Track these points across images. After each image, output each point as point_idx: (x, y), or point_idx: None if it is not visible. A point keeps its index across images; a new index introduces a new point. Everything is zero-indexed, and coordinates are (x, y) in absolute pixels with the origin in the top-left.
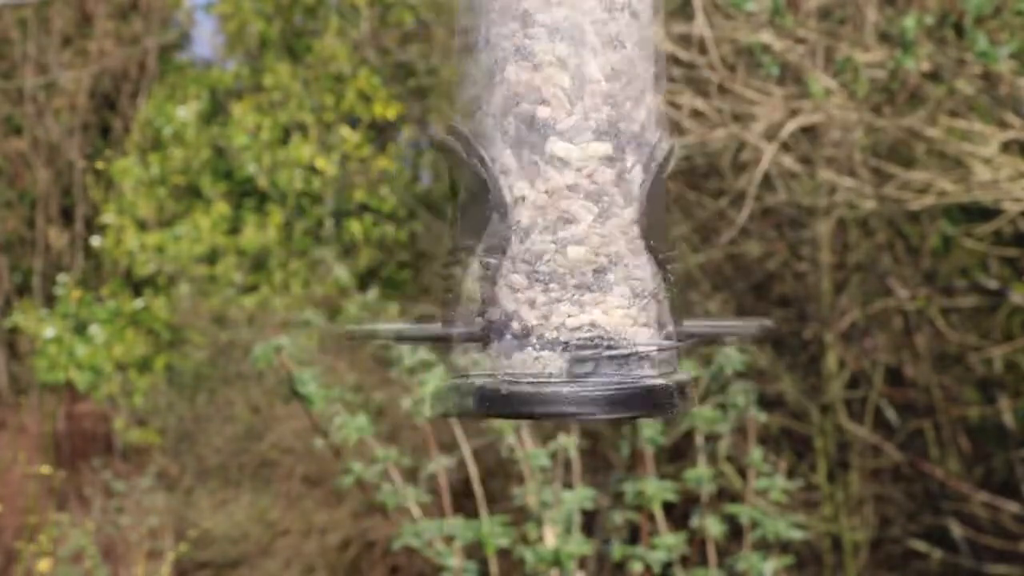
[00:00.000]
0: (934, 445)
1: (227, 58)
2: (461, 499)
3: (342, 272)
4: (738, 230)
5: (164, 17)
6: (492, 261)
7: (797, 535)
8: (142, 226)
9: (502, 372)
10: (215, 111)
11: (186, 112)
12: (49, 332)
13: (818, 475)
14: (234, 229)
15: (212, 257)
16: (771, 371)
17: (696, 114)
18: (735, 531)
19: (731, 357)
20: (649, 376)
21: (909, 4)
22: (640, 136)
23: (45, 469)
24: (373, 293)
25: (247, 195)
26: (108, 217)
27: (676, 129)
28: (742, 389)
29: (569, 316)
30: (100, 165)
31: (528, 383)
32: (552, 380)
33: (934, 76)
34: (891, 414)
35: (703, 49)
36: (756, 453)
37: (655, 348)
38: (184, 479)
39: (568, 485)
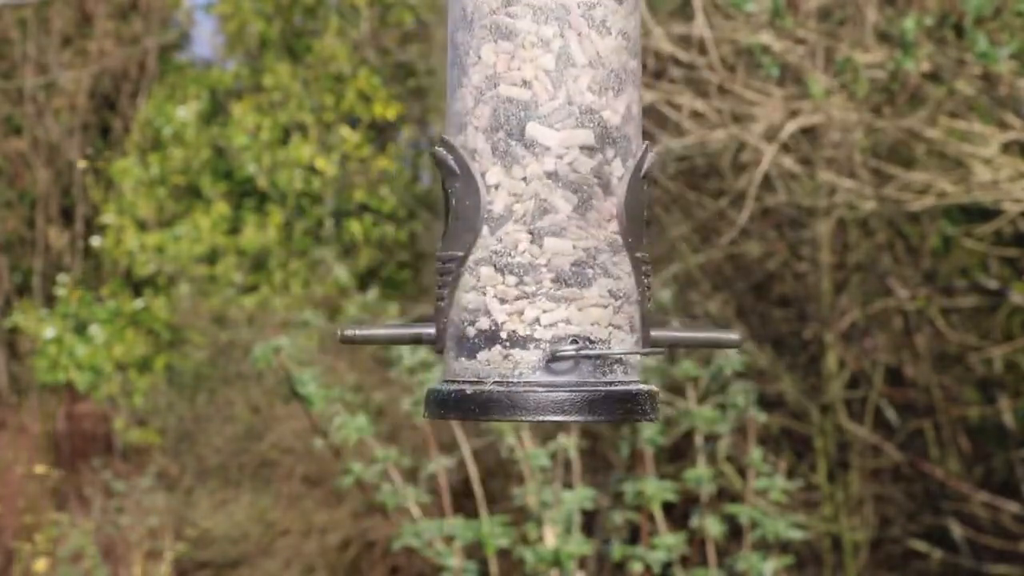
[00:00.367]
0: (934, 445)
1: (227, 58)
2: (461, 499)
3: (342, 272)
4: (738, 230)
5: (164, 17)
6: (455, 254)
7: (797, 535)
8: (142, 226)
9: (465, 373)
10: (215, 111)
11: (186, 112)
12: (49, 332)
13: (818, 475)
14: (234, 229)
15: (212, 257)
16: (771, 371)
17: (696, 115)
18: (735, 531)
19: (730, 357)
20: (624, 381)
21: (909, 5)
22: (621, 129)
23: (40, 469)
24: (373, 293)
25: (247, 195)
26: (108, 217)
27: (676, 130)
28: (742, 389)
29: (544, 312)
30: (85, 163)
31: (495, 384)
32: (523, 381)
33: (934, 77)
34: (891, 414)
35: (703, 50)
36: (756, 453)
37: (635, 353)
38: (184, 479)
39: (568, 485)
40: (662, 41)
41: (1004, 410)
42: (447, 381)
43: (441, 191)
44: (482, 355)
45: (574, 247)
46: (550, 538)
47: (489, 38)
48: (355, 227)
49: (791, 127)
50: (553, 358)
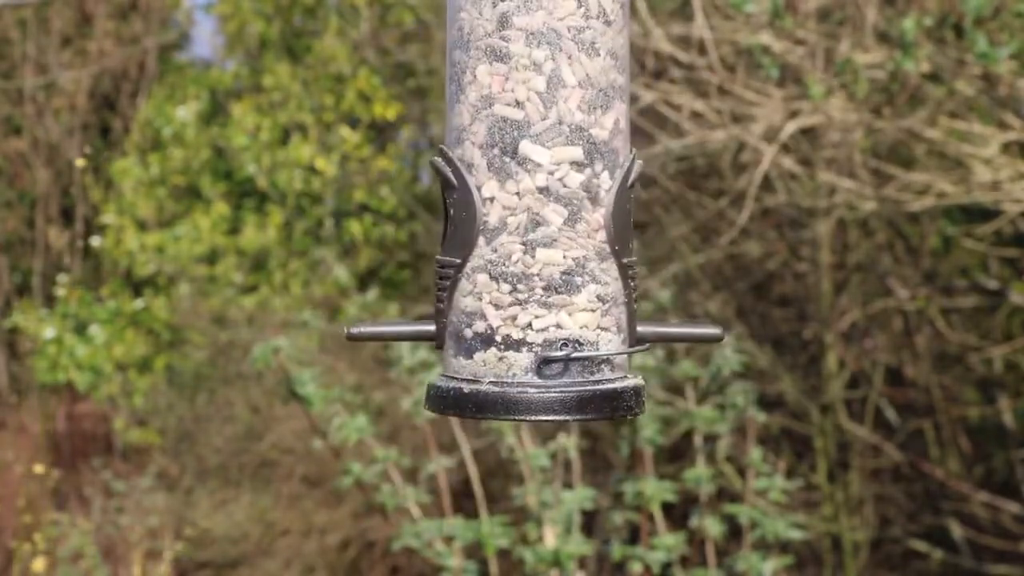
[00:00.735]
0: (934, 445)
1: (227, 58)
2: (461, 499)
3: (342, 272)
4: (738, 230)
5: (164, 17)
6: (453, 260)
7: (797, 535)
8: (142, 226)
9: (463, 371)
10: (215, 111)
11: (186, 112)
12: (49, 332)
13: (818, 475)
14: (234, 229)
15: (212, 257)
16: (771, 371)
17: (696, 115)
18: (735, 531)
19: (728, 357)
20: (611, 379)
21: (909, 5)
22: (609, 143)
23: (40, 469)
24: (373, 293)
25: (247, 195)
26: (108, 217)
27: (676, 130)
28: (741, 389)
29: (536, 317)
30: (84, 163)
31: (491, 384)
32: (517, 382)
33: (934, 77)
34: (891, 414)
35: (703, 50)
36: (756, 453)
37: (621, 353)
38: (184, 479)
39: (568, 485)
40: (662, 41)
41: (1004, 410)
42: (446, 376)
43: (441, 199)
44: (478, 356)
45: (564, 257)
46: (550, 538)
47: (484, 59)
48: (355, 227)
49: (791, 127)
50: (544, 362)
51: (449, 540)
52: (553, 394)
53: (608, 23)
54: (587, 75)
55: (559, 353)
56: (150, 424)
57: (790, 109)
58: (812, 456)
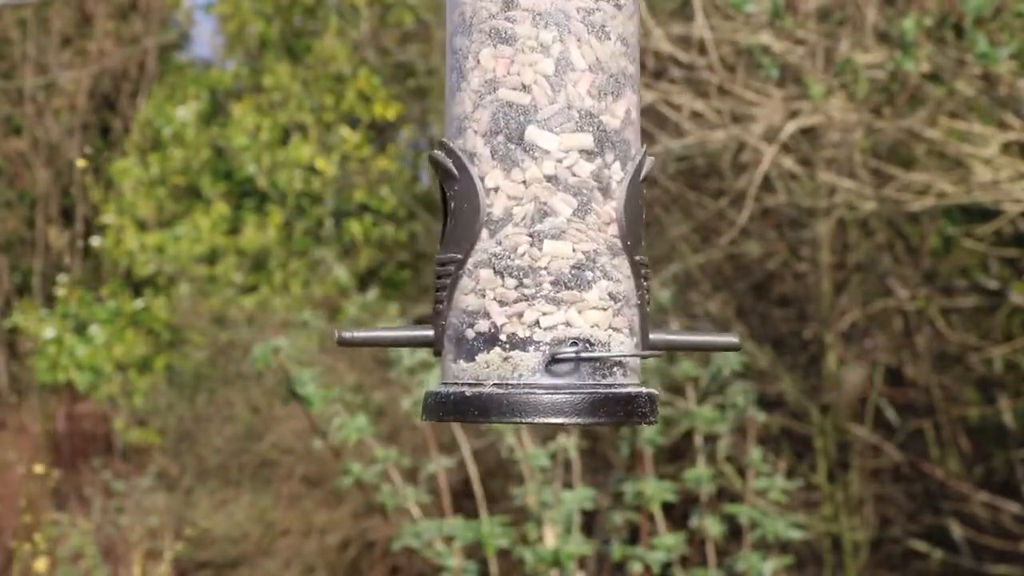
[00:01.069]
0: (934, 445)
1: (227, 58)
2: (461, 499)
3: (342, 272)
4: (738, 230)
5: (164, 17)
6: (454, 256)
7: (797, 535)
8: (142, 226)
9: (464, 375)
10: (215, 111)
11: (186, 112)
12: (49, 332)
13: (818, 475)
14: (234, 229)
15: (212, 257)
16: (771, 371)
17: (696, 115)
18: (735, 531)
19: (728, 358)
20: (624, 384)
21: (909, 5)
22: (620, 133)
23: (40, 468)
24: (373, 293)
25: (247, 195)
26: (108, 217)
27: (676, 130)
28: (741, 389)
29: (544, 314)
30: (84, 163)
31: (494, 386)
32: (523, 383)
33: (934, 77)
34: (891, 414)
35: (703, 50)
36: (756, 453)
37: (634, 356)
38: (184, 479)
39: (568, 485)
40: (662, 41)
41: (1004, 410)
42: (445, 384)
43: (439, 194)
44: (481, 357)
45: (574, 250)
46: (550, 538)
47: (488, 42)
48: (355, 227)
49: (791, 127)
50: (553, 360)
51: (449, 540)
52: (563, 395)
53: (619, 7)
54: (597, 59)
55: (569, 350)
56: (150, 424)
57: (790, 109)
58: (812, 456)
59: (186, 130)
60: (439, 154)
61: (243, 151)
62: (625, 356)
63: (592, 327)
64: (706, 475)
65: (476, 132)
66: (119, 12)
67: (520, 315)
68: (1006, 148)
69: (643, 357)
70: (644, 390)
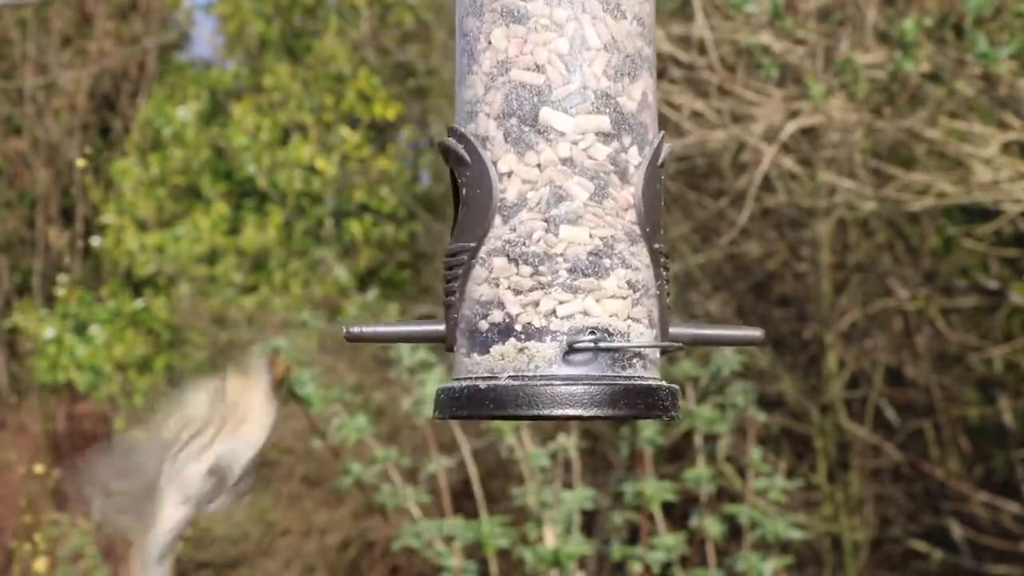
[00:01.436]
0: (934, 445)
1: (227, 58)
2: (461, 499)
3: (342, 272)
4: (738, 230)
5: (164, 17)
6: (466, 245)
7: (797, 535)
8: (142, 226)
9: (478, 369)
10: (215, 111)
11: (186, 112)
12: (49, 332)
13: (818, 475)
14: (234, 229)
15: (212, 257)
16: (771, 371)
17: (696, 115)
18: (735, 531)
19: (728, 357)
20: (644, 376)
21: (909, 5)
22: (637, 116)
23: (40, 468)
24: (373, 293)
25: (247, 195)
26: (108, 217)
27: (676, 130)
28: (741, 389)
29: (561, 303)
30: (84, 163)
31: (510, 378)
32: (540, 375)
33: (934, 77)
34: (891, 414)
35: (703, 50)
36: (756, 453)
37: (655, 346)
38: None
39: (568, 485)
40: (662, 41)
41: (1004, 410)
42: (458, 379)
43: (450, 182)
44: (496, 349)
45: (591, 236)
46: (550, 538)
47: (500, 22)
48: (355, 227)
49: (791, 127)
50: (571, 349)
51: (449, 540)
52: (581, 387)
53: None
54: (613, 38)
55: (587, 338)
56: None
57: (790, 109)
58: (812, 456)
59: (186, 130)
60: (449, 140)
61: (243, 151)
62: (646, 347)
63: (610, 316)
64: (706, 475)
65: (488, 115)
66: (119, 12)
67: (536, 304)
68: (1006, 148)
69: (664, 349)
70: (665, 384)
